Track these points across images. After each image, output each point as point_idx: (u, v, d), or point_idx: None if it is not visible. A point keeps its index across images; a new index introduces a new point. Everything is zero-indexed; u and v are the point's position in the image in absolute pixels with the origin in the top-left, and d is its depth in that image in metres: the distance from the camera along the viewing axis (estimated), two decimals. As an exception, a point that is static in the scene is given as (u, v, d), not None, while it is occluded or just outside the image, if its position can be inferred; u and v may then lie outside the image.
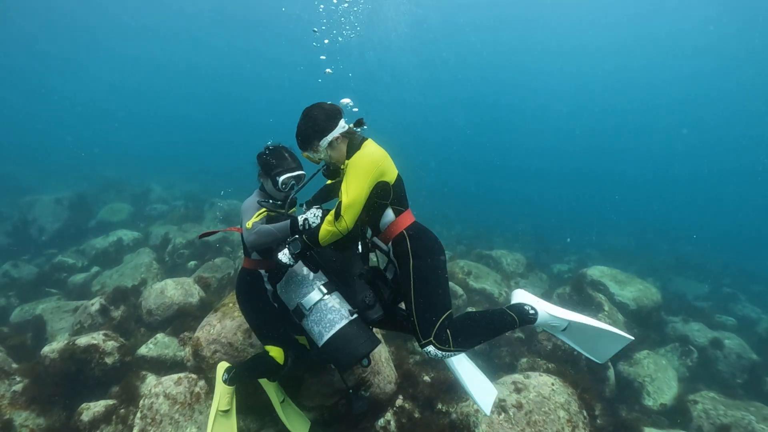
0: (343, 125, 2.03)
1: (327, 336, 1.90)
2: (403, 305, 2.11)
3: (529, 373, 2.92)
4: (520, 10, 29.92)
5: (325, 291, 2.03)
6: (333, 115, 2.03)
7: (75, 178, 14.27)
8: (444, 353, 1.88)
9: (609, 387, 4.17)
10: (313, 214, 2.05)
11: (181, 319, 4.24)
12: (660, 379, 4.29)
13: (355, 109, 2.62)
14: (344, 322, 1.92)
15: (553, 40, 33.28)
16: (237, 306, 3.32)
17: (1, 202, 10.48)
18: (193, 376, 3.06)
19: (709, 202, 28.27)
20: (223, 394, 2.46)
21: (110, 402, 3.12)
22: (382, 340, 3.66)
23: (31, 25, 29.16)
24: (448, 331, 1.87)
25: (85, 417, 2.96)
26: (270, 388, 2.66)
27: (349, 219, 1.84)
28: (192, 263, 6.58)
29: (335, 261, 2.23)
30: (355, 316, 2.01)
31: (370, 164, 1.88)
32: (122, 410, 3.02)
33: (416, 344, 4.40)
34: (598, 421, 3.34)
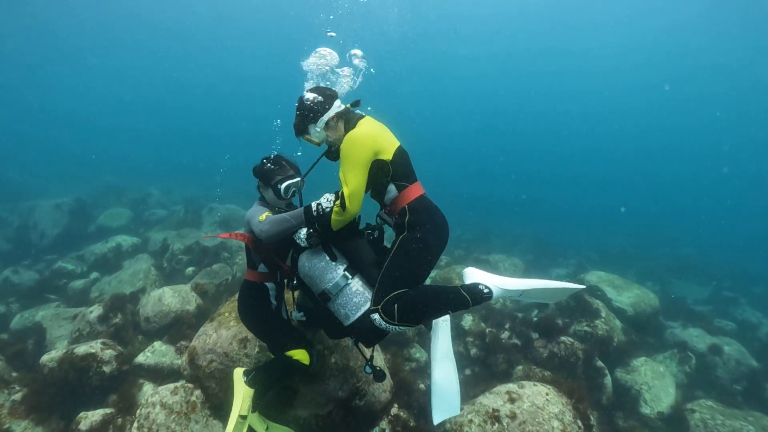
0: (338, 105, 2.06)
1: (353, 318, 2.05)
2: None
3: (524, 382, 2.92)
4: (520, 13, 30.04)
5: (349, 276, 2.11)
6: (328, 96, 2.06)
7: (75, 184, 14.36)
8: (388, 326, 1.88)
9: (606, 394, 4.16)
10: (326, 199, 2.10)
11: (179, 327, 4.26)
12: (657, 386, 4.28)
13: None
14: (368, 305, 2.04)
15: (550, 44, 33.37)
16: (233, 315, 3.35)
17: (2, 207, 10.55)
18: (190, 385, 3.08)
19: (710, 204, 28.22)
20: (245, 396, 2.32)
21: (108, 411, 3.14)
22: (378, 348, 3.68)
23: (30, 31, 29.40)
24: (396, 305, 1.86)
25: (83, 426, 2.98)
26: (254, 420, 2.47)
27: (354, 206, 1.88)
28: (190, 269, 6.61)
29: (352, 248, 2.23)
30: None
31: (361, 147, 1.88)
32: (119, 419, 3.04)
33: (412, 350, 4.43)
34: (594, 430, 3.34)
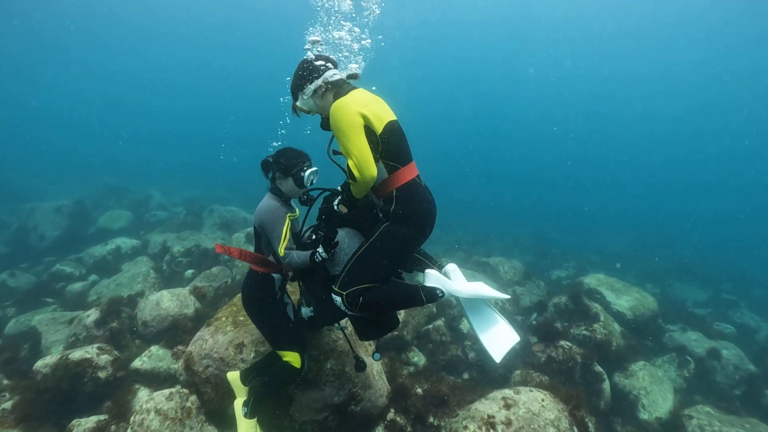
0: (331, 75, 2.01)
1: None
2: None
3: (519, 388, 2.90)
4: (520, 14, 30.09)
5: None
6: (321, 63, 2.02)
7: (76, 186, 14.38)
8: (348, 311, 1.89)
9: (604, 400, 4.14)
10: (336, 203, 2.20)
11: (176, 332, 4.25)
12: (656, 391, 4.26)
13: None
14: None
15: (551, 44, 33.41)
16: (229, 320, 3.35)
17: (2, 209, 10.55)
18: (185, 391, 3.06)
19: (711, 206, 28.16)
20: (248, 429, 2.41)
21: (102, 418, 3.12)
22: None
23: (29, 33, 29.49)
24: (362, 298, 1.84)
25: (77, 433, 2.96)
26: (246, 428, 2.48)
27: (365, 173, 1.80)
28: (189, 272, 6.60)
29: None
30: None
31: (349, 113, 1.81)
32: (113, 426, 3.02)
33: (410, 354, 4.42)
34: (591, 436, 3.31)
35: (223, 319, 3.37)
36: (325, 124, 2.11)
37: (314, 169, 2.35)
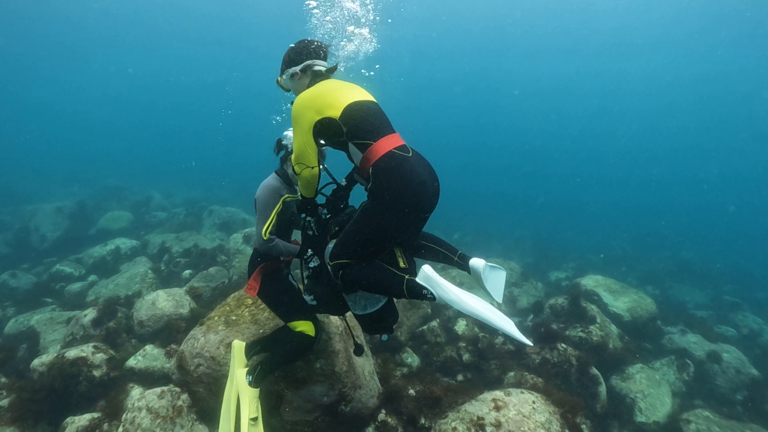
0: (311, 63, 2.07)
1: (371, 309, 2.10)
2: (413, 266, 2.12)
3: (510, 390, 2.88)
4: (521, 13, 30.06)
5: None
6: (305, 51, 2.08)
7: (77, 187, 14.51)
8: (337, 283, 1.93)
9: (600, 403, 4.10)
10: (313, 219, 2.21)
11: (171, 331, 4.27)
12: (653, 395, 4.21)
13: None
14: (384, 301, 2.09)
15: (550, 44, 33.33)
16: (221, 319, 3.36)
17: (3, 210, 10.67)
18: (177, 389, 3.08)
19: (712, 206, 27.93)
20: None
21: (95, 415, 3.14)
22: (368, 353, 3.66)
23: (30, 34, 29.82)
24: (341, 272, 1.84)
25: (69, 431, 2.98)
26: (250, 397, 2.28)
27: (300, 168, 1.89)
28: (187, 272, 6.64)
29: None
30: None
31: (303, 108, 1.87)
32: (105, 424, 3.04)
33: (404, 355, 4.40)
34: (585, 438, 3.29)
35: (216, 318, 3.38)
36: None
37: (322, 148, 2.36)
